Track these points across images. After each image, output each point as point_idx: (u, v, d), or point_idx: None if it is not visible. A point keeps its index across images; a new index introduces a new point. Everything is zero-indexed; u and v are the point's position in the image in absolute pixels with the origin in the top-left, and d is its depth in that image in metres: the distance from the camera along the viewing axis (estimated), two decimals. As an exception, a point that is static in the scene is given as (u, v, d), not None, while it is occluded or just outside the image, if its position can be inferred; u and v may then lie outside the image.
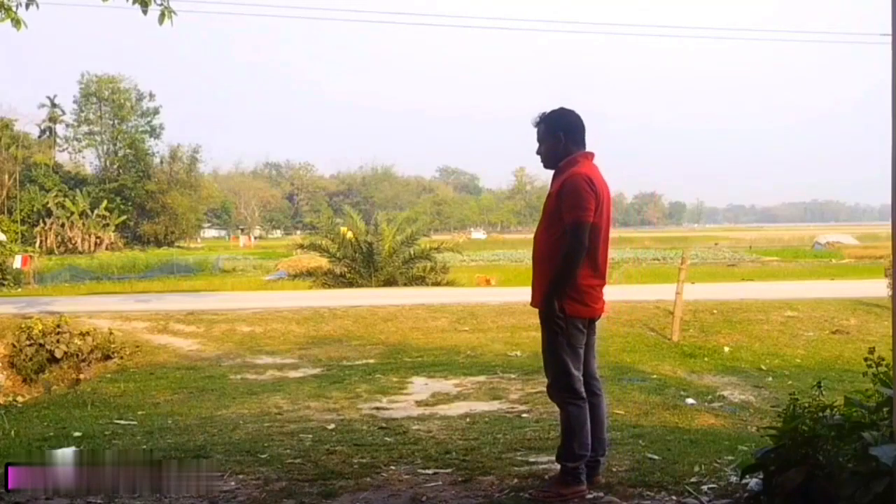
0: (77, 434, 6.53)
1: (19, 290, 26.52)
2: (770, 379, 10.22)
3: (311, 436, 5.91)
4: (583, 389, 3.99)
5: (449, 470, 4.64)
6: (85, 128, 71.87)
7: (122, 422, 7.15)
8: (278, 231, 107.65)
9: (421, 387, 8.59)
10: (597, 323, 4.12)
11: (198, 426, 6.63)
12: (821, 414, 3.67)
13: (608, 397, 7.79)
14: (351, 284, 23.15)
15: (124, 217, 63.75)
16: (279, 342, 12.03)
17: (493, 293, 18.80)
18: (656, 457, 4.83)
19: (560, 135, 4.00)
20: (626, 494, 4.00)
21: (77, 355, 11.10)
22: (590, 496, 3.95)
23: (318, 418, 6.89)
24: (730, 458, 4.71)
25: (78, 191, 62.10)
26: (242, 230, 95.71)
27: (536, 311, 4.07)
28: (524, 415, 6.85)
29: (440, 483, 4.35)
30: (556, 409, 4.20)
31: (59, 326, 11.44)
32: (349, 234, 24.53)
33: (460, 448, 5.29)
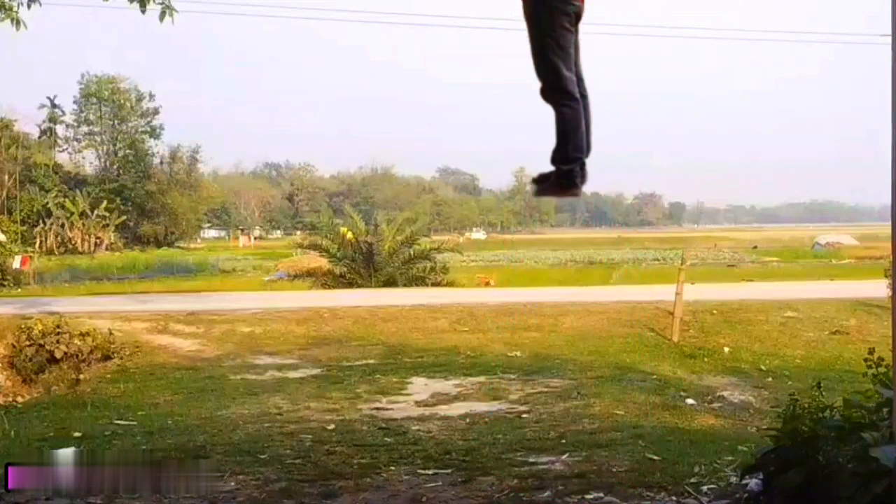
0: (77, 434, 6.54)
1: (19, 290, 26.47)
2: (770, 379, 10.22)
3: (310, 436, 5.92)
4: (576, 90, 3.94)
5: (449, 470, 4.64)
6: (85, 128, 71.79)
7: (122, 422, 7.15)
8: (278, 231, 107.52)
9: (421, 387, 8.60)
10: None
11: (198, 426, 6.63)
12: (821, 415, 3.67)
13: (608, 398, 7.84)
14: (351, 285, 23.13)
15: (124, 217, 63.69)
16: (279, 343, 12.02)
17: (493, 294, 18.79)
18: (656, 457, 4.84)
19: None
20: (626, 494, 4.00)
21: (77, 356, 11.08)
22: (590, 496, 3.95)
23: (318, 419, 6.89)
24: (730, 458, 4.71)
25: (78, 191, 62.05)
26: (242, 230, 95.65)
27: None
28: (524, 415, 6.85)
29: (440, 483, 4.35)
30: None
31: (58, 327, 11.42)
32: (349, 235, 24.52)
33: (460, 448, 5.30)
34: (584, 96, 3.98)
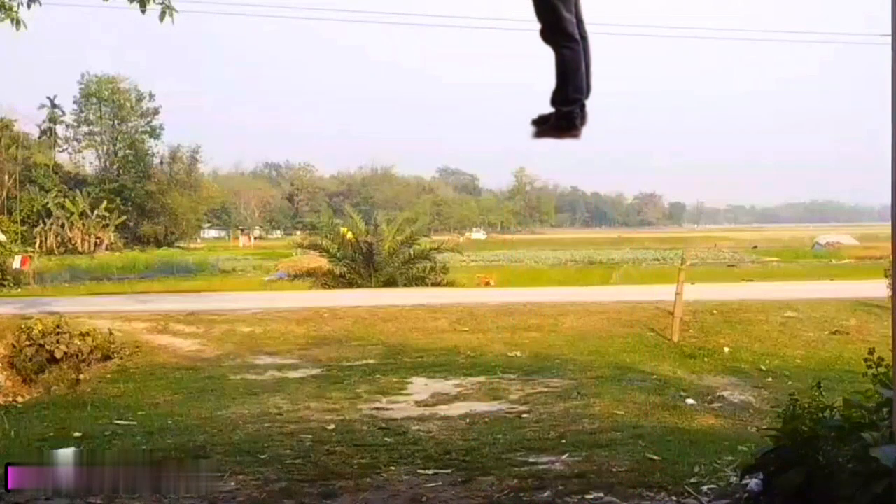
0: (77, 434, 6.54)
1: (19, 290, 26.47)
2: (770, 379, 10.22)
3: (310, 436, 5.92)
4: (576, 32, 3.91)
5: (449, 470, 4.64)
6: (85, 128, 71.82)
7: (122, 422, 7.15)
8: (278, 231, 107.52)
9: (421, 387, 8.60)
10: None
11: (198, 426, 6.63)
12: (820, 415, 3.67)
13: (608, 398, 7.84)
14: (351, 285, 23.14)
15: (124, 217, 63.72)
16: (279, 343, 12.02)
17: (493, 294, 18.79)
18: (656, 457, 4.84)
19: None
20: (626, 494, 4.01)
21: (77, 356, 11.08)
22: (590, 496, 3.96)
23: (318, 419, 6.89)
24: (730, 458, 4.71)
25: (78, 191, 62.08)
26: (242, 230, 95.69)
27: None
28: (524, 415, 6.85)
29: (440, 483, 4.35)
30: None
31: (58, 327, 11.42)
32: (349, 235, 24.53)
33: (460, 448, 5.30)
34: (584, 38, 3.91)
